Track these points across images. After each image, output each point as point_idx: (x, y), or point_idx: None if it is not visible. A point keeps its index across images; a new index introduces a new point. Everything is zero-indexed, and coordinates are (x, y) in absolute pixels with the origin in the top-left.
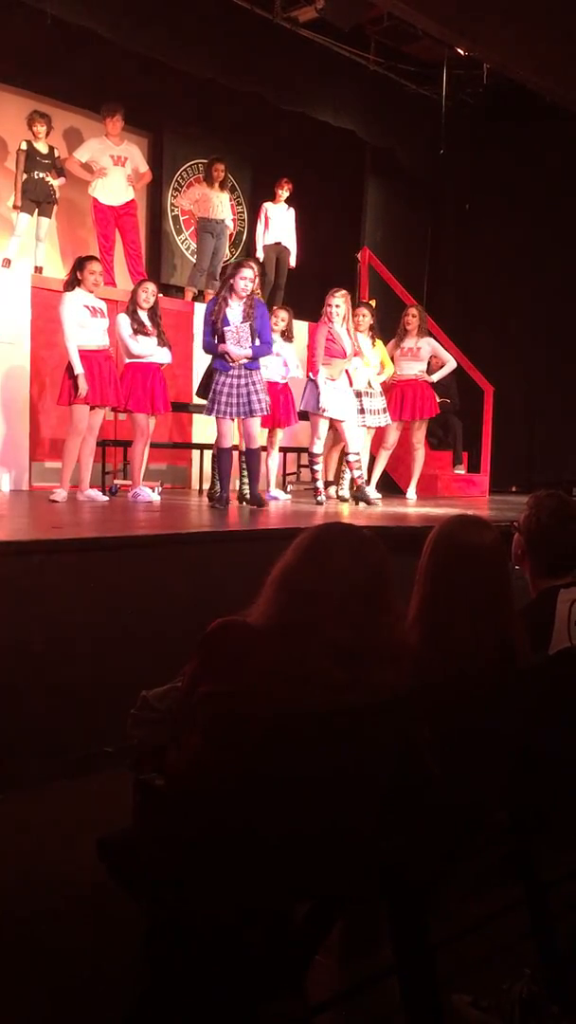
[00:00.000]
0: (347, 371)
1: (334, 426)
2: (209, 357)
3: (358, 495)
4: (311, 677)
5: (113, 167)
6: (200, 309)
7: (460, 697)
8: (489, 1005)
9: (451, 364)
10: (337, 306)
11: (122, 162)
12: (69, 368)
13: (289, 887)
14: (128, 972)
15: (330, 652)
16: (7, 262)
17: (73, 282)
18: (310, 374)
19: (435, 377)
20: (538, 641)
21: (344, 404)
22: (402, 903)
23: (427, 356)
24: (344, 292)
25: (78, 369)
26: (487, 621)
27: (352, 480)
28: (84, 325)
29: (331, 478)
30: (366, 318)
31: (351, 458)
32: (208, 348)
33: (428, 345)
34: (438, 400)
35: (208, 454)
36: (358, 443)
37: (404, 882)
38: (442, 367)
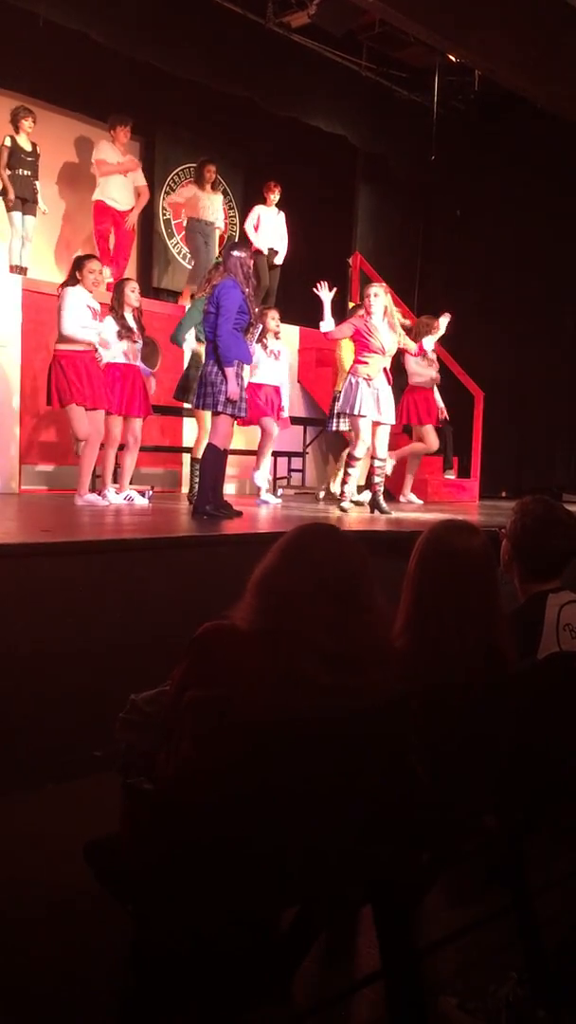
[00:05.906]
0: (385, 369)
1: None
2: (193, 358)
3: (373, 503)
4: (297, 681)
5: (123, 175)
6: None
7: (448, 702)
8: (476, 1008)
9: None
10: (376, 295)
11: (132, 168)
12: (55, 369)
13: (275, 894)
14: (115, 977)
15: (313, 655)
16: (24, 270)
17: (72, 281)
18: (351, 378)
19: None
20: (527, 646)
21: (381, 405)
22: (389, 909)
23: None
24: (383, 284)
25: (81, 333)
26: (475, 626)
27: (372, 487)
28: (85, 325)
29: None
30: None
31: (376, 463)
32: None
33: None
34: None
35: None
36: (384, 448)
37: (391, 888)
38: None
